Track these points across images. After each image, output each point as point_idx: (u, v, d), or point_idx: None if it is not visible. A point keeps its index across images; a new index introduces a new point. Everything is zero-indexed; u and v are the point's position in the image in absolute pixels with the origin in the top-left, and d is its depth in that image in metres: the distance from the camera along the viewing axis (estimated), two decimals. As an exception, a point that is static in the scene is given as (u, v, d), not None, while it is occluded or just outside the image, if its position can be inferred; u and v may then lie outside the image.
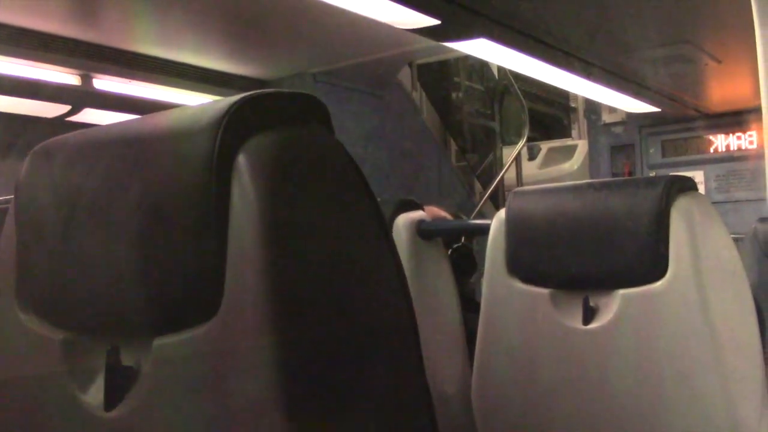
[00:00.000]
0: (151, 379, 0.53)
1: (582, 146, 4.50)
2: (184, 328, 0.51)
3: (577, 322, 1.18)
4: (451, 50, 2.14)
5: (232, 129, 0.51)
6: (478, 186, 4.25)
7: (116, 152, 0.58)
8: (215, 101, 0.54)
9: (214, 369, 0.50)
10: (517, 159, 3.95)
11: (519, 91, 3.94)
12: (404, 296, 0.56)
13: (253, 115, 0.53)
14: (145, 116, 0.61)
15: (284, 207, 0.50)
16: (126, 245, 0.54)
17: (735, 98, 2.82)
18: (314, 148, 0.54)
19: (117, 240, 0.54)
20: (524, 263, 1.25)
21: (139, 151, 0.56)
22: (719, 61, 2.16)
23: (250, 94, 0.53)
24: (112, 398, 0.55)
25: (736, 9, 1.45)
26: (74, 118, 2.34)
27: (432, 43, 2.00)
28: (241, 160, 0.50)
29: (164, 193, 0.52)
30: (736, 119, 3.04)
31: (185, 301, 0.52)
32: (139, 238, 0.53)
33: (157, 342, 0.53)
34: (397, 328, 0.56)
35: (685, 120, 3.11)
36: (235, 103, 0.52)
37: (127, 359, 0.55)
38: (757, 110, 0.84)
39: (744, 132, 3.08)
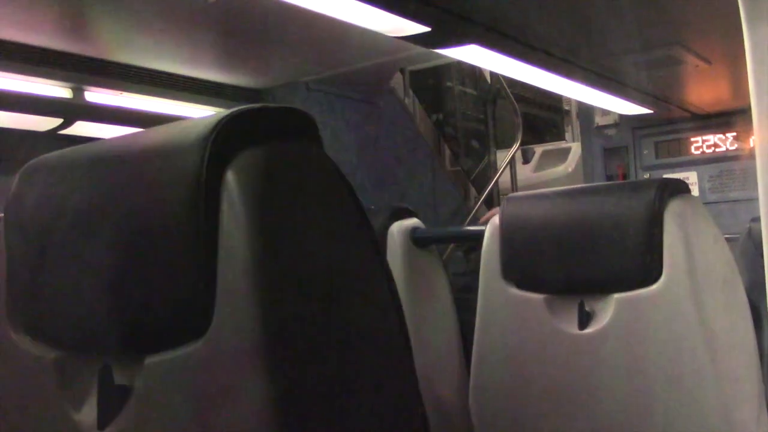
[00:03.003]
0: (143, 397, 0.53)
1: (576, 149, 4.50)
2: (176, 346, 0.51)
3: (572, 327, 1.18)
4: (443, 56, 2.14)
5: (220, 145, 0.51)
6: (472, 190, 4.25)
7: (105, 170, 0.57)
8: (203, 117, 0.54)
9: (206, 386, 0.50)
10: (512, 163, 3.95)
11: (511, 96, 3.94)
12: (395, 309, 0.56)
13: (241, 130, 0.52)
14: (134, 132, 0.60)
15: (274, 223, 0.50)
16: (116, 263, 0.54)
17: (726, 99, 2.83)
18: (303, 163, 0.54)
19: (107, 258, 0.54)
20: (519, 269, 1.25)
21: (128, 168, 0.56)
22: (709, 63, 2.17)
23: (238, 110, 0.53)
24: (104, 417, 0.55)
25: (723, 10, 1.46)
26: (67, 131, 2.33)
27: (423, 49, 2.01)
28: (230, 176, 0.50)
29: (153, 211, 0.52)
30: (727, 119, 3.05)
31: (176, 319, 0.51)
32: (128, 256, 0.53)
33: (149, 360, 0.53)
34: (389, 341, 0.55)
35: (677, 121, 3.11)
36: (223, 118, 0.52)
37: (119, 378, 0.55)
38: (747, 110, 0.84)
39: (736, 132, 3.09)
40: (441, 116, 4.35)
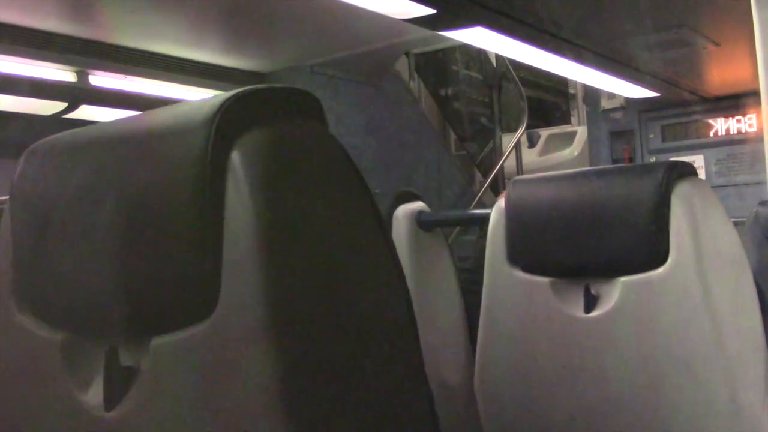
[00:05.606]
0: (149, 378, 0.53)
1: (582, 132, 4.48)
2: (182, 327, 0.51)
3: (578, 311, 1.18)
4: (448, 39, 2.13)
5: (225, 126, 0.50)
6: (477, 175, 4.24)
7: (111, 151, 0.57)
8: (208, 98, 0.54)
9: (213, 367, 0.50)
10: (517, 147, 3.94)
11: (517, 79, 3.92)
12: (402, 290, 0.55)
13: (247, 111, 0.52)
14: (139, 114, 0.60)
15: (279, 203, 0.50)
16: (122, 244, 0.54)
17: (734, 81, 2.80)
18: (308, 144, 0.54)
19: (113, 239, 0.54)
20: (524, 252, 1.25)
21: (133, 149, 0.56)
22: (717, 44, 2.15)
23: (243, 90, 0.53)
24: (111, 398, 0.55)
25: (733, -9, 1.44)
26: (71, 115, 2.33)
27: (428, 32, 1.99)
28: (236, 156, 0.50)
29: (159, 192, 0.52)
30: (735, 102, 3.03)
31: (182, 299, 0.51)
32: (134, 236, 0.53)
33: (155, 341, 0.53)
34: (395, 322, 0.55)
35: (684, 104, 3.09)
36: (228, 99, 0.52)
37: (125, 359, 0.55)
38: (756, 93, 0.84)
39: (744, 115, 3.06)
40: (446, 100, 4.33)
